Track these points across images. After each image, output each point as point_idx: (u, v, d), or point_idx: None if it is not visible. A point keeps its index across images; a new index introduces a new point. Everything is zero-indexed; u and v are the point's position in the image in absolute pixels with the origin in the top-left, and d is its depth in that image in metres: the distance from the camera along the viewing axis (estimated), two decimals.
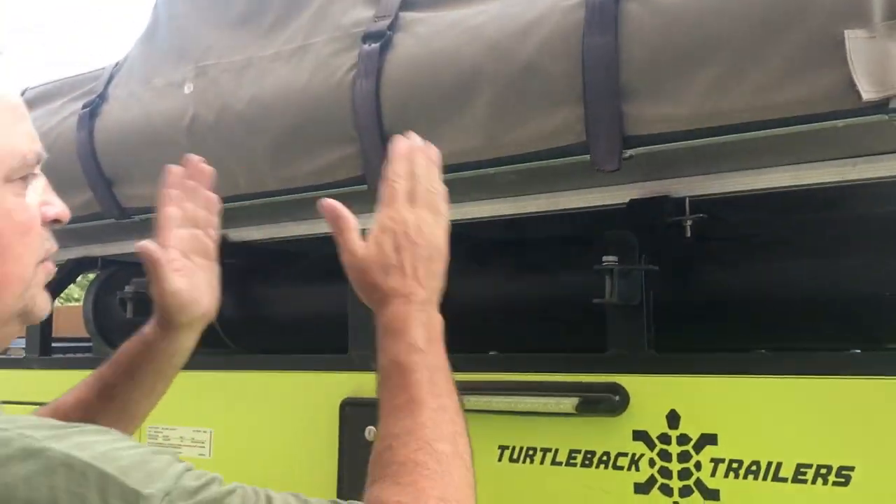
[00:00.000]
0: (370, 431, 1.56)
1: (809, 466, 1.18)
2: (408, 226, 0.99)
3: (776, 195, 1.39)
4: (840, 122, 1.10)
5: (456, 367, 1.50)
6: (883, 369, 1.15)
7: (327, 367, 1.64)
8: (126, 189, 1.83)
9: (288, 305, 1.92)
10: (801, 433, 1.20)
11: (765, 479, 1.21)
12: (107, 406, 1.21)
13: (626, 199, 1.49)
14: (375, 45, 1.44)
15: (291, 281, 1.96)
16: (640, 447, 1.32)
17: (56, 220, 0.87)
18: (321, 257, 2.00)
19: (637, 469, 1.32)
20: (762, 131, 1.16)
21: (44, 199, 0.86)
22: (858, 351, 1.30)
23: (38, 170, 0.86)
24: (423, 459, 0.85)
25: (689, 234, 1.46)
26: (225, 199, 1.68)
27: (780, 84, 1.11)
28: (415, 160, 1.05)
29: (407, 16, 1.46)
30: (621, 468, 1.33)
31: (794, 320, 1.40)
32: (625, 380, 1.33)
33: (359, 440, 1.58)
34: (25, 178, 0.83)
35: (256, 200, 1.67)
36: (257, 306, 1.98)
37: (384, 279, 0.97)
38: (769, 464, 1.21)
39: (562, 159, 1.33)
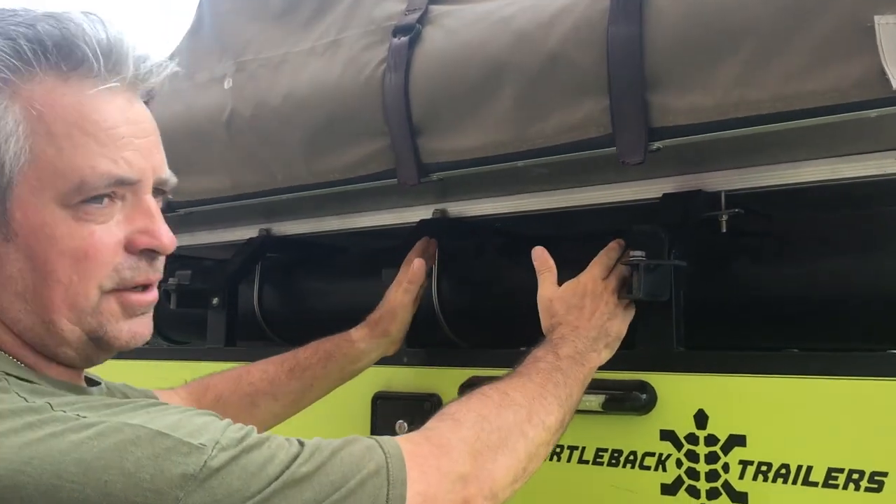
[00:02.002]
0: (400, 425, 1.57)
1: (841, 471, 1.14)
2: (598, 286, 1.28)
3: (814, 189, 1.34)
4: (873, 113, 1.06)
5: (485, 362, 1.51)
6: None
7: None
8: None
9: (326, 299, 1.93)
10: (834, 436, 1.15)
11: (794, 482, 1.17)
12: (292, 385, 1.43)
13: (660, 194, 1.46)
14: (405, 39, 1.44)
15: (330, 275, 1.97)
16: (667, 447, 1.28)
17: (152, 251, 0.87)
18: (358, 252, 2.01)
19: (664, 469, 1.28)
20: (792, 122, 1.12)
21: (141, 227, 0.85)
22: (895, 351, 1.24)
23: (134, 195, 0.85)
24: (490, 394, 1.06)
25: (724, 230, 1.42)
26: (263, 194, 1.72)
27: (808, 73, 1.06)
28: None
29: (436, 8, 1.45)
30: (648, 468, 1.30)
31: (831, 319, 1.35)
32: (653, 378, 1.31)
33: (390, 433, 1.58)
34: (100, 202, 0.83)
35: (293, 194, 1.69)
36: (297, 300, 2.00)
37: (564, 313, 1.27)
38: (799, 467, 1.17)
39: (592, 152, 1.30)
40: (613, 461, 1.32)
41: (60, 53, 0.81)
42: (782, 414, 1.19)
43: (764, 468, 1.20)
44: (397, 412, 1.58)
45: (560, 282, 1.34)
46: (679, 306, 1.33)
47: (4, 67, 0.79)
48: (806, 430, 1.17)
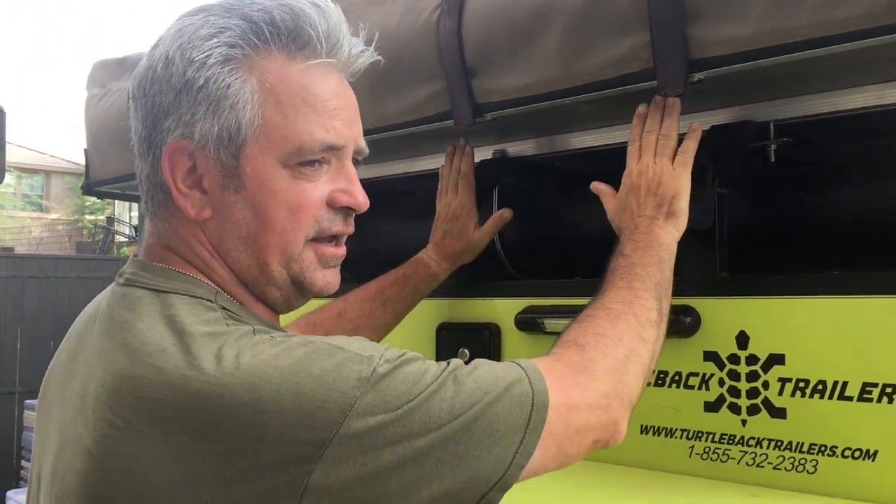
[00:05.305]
0: (462, 352, 1.67)
1: (875, 385, 1.19)
2: (632, 176, 1.34)
3: (862, 116, 1.36)
4: None
5: (540, 293, 1.59)
6: None
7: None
8: None
9: (391, 239, 2.03)
10: (868, 352, 1.19)
11: (831, 397, 1.22)
12: (386, 317, 1.61)
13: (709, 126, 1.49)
14: None
15: (394, 217, 2.06)
16: (710, 367, 1.35)
17: (349, 208, 0.99)
18: (421, 195, 2.09)
19: (707, 388, 1.35)
20: (829, 48, 1.15)
21: (342, 188, 0.97)
22: None
23: (338, 160, 0.97)
24: (594, 314, 1.12)
25: (773, 159, 1.45)
26: None
27: None
28: (650, 118, 1.37)
29: None
30: (692, 387, 1.37)
31: (881, 245, 1.37)
32: (696, 302, 1.36)
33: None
34: (312, 165, 0.95)
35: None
36: (365, 241, 2.10)
37: (619, 218, 1.35)
38: (835, 383, 1.22)
39: (639, 86, 1.35)
40: (659, 382, 1.39)
41: (291, 35, 0.94)
42: (819, 333, 1.24)
43: (802, 385, 1.25)
44: (460, 341, 1.68)
45: None
46: (723, 233, 1.37)
47: (245, 45, 0.93)
48: (841, 347, 1.22)
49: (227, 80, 0.92)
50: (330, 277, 1.00)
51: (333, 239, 1.00)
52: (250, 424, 0.80)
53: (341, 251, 1.01)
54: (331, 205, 0.97)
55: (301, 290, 0.99)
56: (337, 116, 0.96)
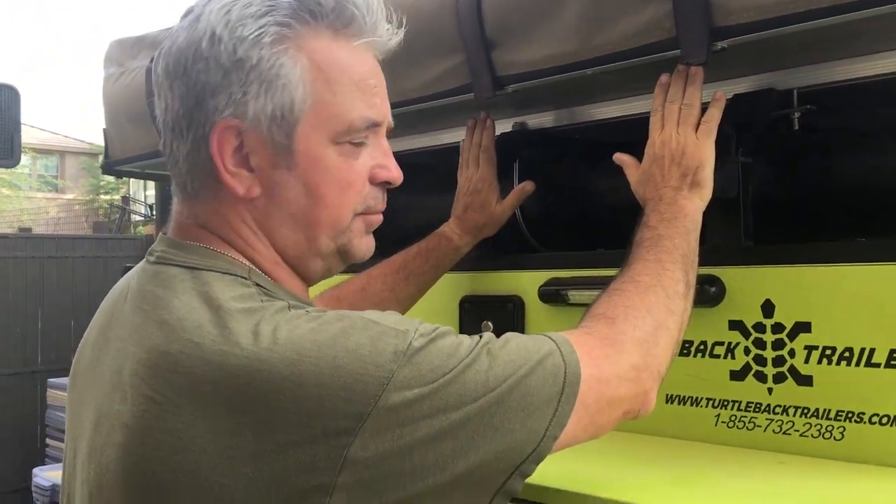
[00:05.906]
0: (485, 325, 1.67)
1: None
2: (655, 147, 1.32)
3: (885, 83, 1.35)
4: None
5: (562, 265, 1.59)
6: None
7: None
8: None
9: (413, 213, 2.03)
10: (895, 319, 1.19)
11: (857, 364, 1.23)
12: (409, 290, 1.64)
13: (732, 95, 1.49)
14: None
15: (416, 191, 2.06)
16: (735, 336, 1.35)
17: (387, 182, 1.02)
18: (442, 169, 2.10)
19: (733, 357, 1.35)
20: (853, 13, 1.14)
21: (380, 163, 1.01)
22: None
23: (375, 136, 1.00)
24: (623, 286, 1.12)
25: (796, 127, 1.44)
26: None
27: None
28: (673, 87, 1.34)
29: None
30: (718, 356, 1.37)
31: None
32: (721, 271, 1.36)
33: (477, 332, 1.69)
34: (358, 144, 0.98)
35: None
36: (387, 214, 2.11)
37: (643, 189, 1.32)
38: (862, 350, 1.22)
39: (660, 55, 1.34)
40: (685, 351, 1.40)
41: (335, 13, 0.96)
42: (845, 300, 1.24)
43: (828, 352, 1.25)
44: (483, 313, 1.69)
45: None
46: (747, 202, 1.37)
47: (295, 23, 0.94)
48: (868, 314, 1.21)
49: (280, 59, 0.93)
50: (371, 243, 1.05)
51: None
52: (290, 398, 0.82)
53: (380, 218, 1.05)
54: (372, 181, 1.00)
55: (345, 257, 1.02)
56: (376, 94, 0.99)
